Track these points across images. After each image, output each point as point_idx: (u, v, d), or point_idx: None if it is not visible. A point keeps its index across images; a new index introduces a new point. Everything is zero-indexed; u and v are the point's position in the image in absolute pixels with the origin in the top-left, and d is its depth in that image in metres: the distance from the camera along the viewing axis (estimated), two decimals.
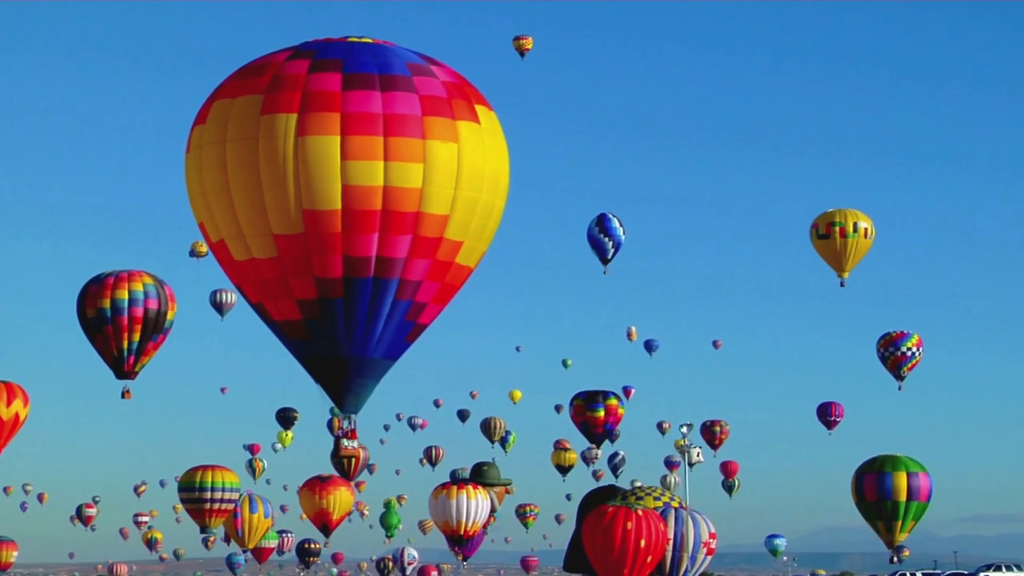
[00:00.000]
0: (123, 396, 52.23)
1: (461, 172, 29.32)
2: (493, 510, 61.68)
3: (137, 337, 50.50)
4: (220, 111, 29.49)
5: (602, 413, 65.91)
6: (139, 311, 50.53)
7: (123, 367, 50.86)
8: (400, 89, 29.04)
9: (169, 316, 51.37)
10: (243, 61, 30.48)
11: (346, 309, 29.61)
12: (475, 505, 58.46)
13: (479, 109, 30.09)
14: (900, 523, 56.88)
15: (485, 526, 60.71)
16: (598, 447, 71.08)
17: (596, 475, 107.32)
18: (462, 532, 58.49)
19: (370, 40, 30.38)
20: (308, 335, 30.28)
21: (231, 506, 66.37)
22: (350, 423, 31.17)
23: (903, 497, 56.45)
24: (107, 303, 50.38)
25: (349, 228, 28.80)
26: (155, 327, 50.89)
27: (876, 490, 56.84)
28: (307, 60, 29.42)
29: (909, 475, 56.63)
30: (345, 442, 31.08)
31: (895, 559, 61.94)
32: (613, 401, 66.92)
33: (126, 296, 50.64)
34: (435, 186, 29.04)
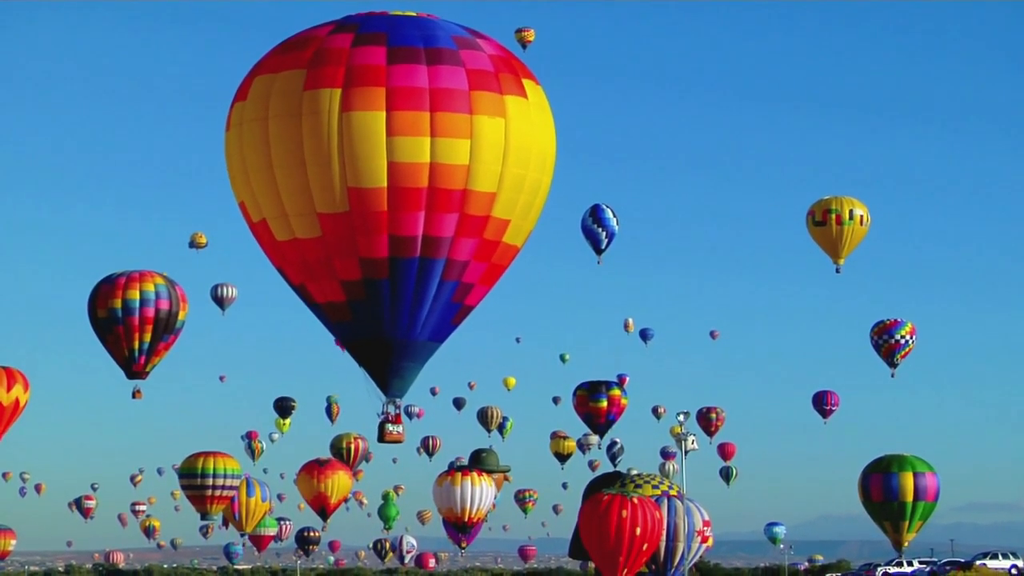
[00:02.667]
0: (134, 396, 51.74)
1: (508, 148, 28.73)
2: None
3: (148, 338, 49.44)
4: (261, 87, 28.85)
5: (605, 403, 65.61)
6: (150, 311, 49.62)
7: (134, 367, 49.65)
8: (447, 63, 28.43)
9: (180, 316, 50.30)
10: (283, 35, 29.95)
11: (392, 290, 29.00)
12: (479, 492, 58.45)
13: (526, 83, 29.48)
14: (907, 523, 56.34)
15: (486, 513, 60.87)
16: (601, 437, 71.18)
17: (592, 465, 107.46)
18: (466, 519, 58.56)
19: (413, 13, 29.81)
20: (352, 317, 29.66)
21: (232, 492, 65.51)
22: (395, 407, 30.42)
23: (910, 497, 55.91)
24: (118, 303, 49.40)
25: (395, 206, 28.19)
26: (166, 327, 49.98)
27: (882, 490, 56.25)
28: (350, 34, 28.78)
29: (916, 475, 56.09)
30: (390, 427, 30.41)
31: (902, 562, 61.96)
32: (616, 392, 66.61)
33: (137, 296, 49.64)
34: (482, 163, 28.46)
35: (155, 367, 51.29)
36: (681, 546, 43.45)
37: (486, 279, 30.25)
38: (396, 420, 30.50)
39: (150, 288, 50.47)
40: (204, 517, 66.66)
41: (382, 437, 30.67)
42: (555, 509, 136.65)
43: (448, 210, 28.54)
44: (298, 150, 28.20)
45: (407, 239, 28.64)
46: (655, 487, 44.88)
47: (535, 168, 29.54)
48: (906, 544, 58.40)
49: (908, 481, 55.92)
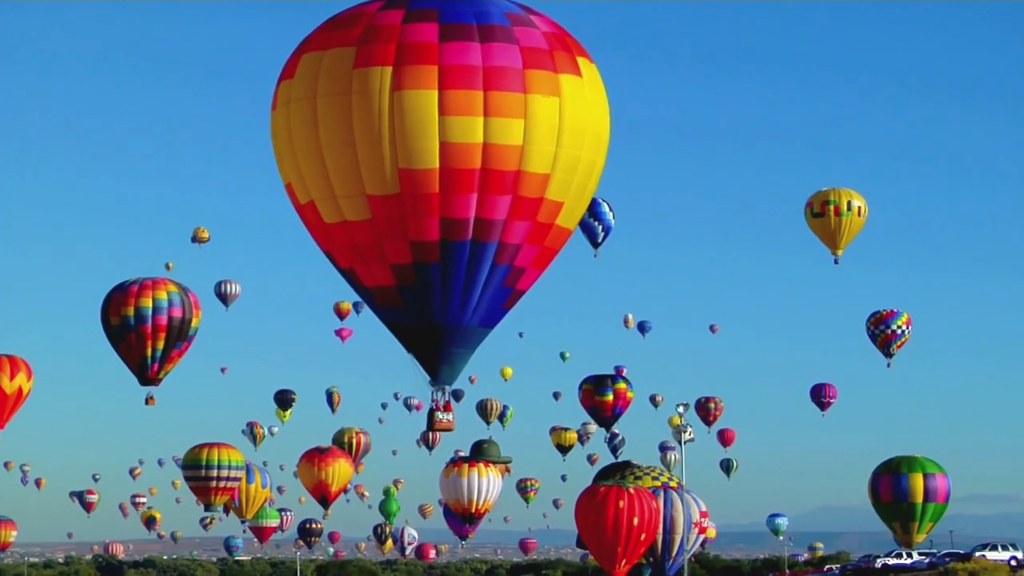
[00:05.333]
0: (147, 403, 51.65)
1: (563, 128, 27.98)
2: None
3: (161, 345, 49.09)
4: (309, 65, 28.11)
5: (611, 397, 65.53)
6: (163, 319, 49.38)
7: (147, 374, 49.60)
8: (500, 40, 27.69)
9: (193, 324, 50.12)
10: (331, 11, 29.27)
11: (442, 274, 28.24)
12: (487, 483, 58.53)
13: (581, 62, 28.70)
14: (917, 524, 56.01)
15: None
16: (607, 430, 71.35)
17: (591, 459, 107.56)
18: (473, 510, 58.67)
19: None
20: (402, 302, 28.89)
21: (236, 484, 65.32)
22: (444, 395, 29.66)
23: (919, 499, 55.48)
24: (131, 311, 49.14)
25: (447, 188, 27.43)
26: (179, 335, 49.31)
27: (892, 491, 55.85)
28: (401, 10, 28.04)
29: (926, 476, 55.71)
30: (439, 415, 29.72)
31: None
32: (622, 385, 66.53)
33: (150, 304, 49.37)
34: (536, 143, 27.71)
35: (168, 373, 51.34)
36: (679, 538, 43.56)
37: (538, 263, 29.51)
38: (446, 408, 29.81)
39: (163, 296, 49.97)
40: (207, 508, 66.36)
41: (432, 425, 30.05)
42: (555, 504, 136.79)
43: (501, 192, 27.83)
44: (347, 130, 27.44)
45: (459, 221, 27.89)
46: (655, 479, 45.12)
47: (589, 148, 28.77)
48: (915, 544, 58.28)
49: (918, 482, 55.54)
